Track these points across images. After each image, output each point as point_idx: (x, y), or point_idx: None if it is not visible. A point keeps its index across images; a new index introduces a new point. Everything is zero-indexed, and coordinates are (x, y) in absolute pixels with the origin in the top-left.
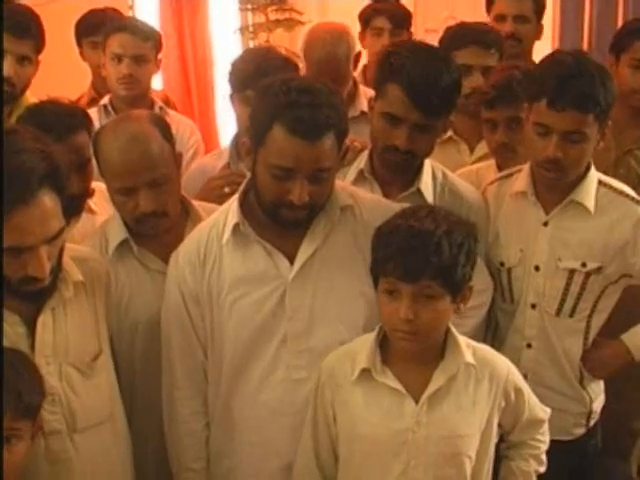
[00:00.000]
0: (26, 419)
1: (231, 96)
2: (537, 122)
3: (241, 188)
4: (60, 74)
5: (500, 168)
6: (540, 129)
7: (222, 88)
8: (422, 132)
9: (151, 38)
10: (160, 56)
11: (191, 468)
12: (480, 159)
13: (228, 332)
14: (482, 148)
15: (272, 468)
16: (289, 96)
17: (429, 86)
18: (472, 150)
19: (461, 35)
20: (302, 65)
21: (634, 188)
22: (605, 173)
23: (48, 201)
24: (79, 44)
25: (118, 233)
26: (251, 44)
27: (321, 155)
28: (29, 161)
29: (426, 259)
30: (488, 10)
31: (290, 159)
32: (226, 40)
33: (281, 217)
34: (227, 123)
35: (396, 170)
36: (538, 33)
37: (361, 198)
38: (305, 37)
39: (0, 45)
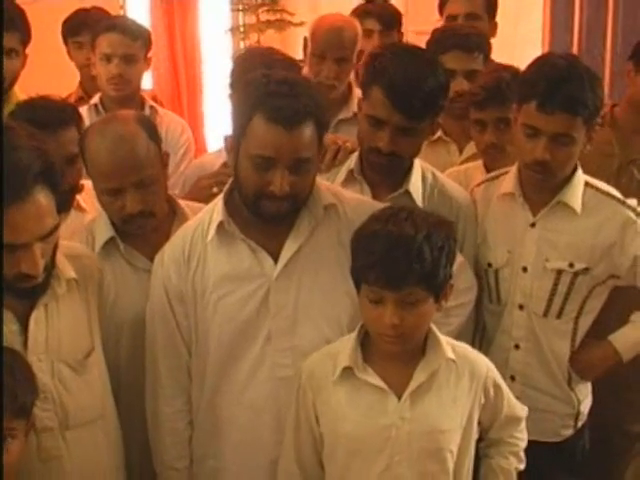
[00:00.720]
0: (21, 418)
1: (231, 95)
2: (526, 124)
3: (226, 187)
4: (49, 73)
5: (488, 168)
6: (529, 131)
7: (211, 88)
8: (405, 135)
9: (140, 37)
10: (150, 54)
11: (174, 467)
12: (469, 159)
13: (212, 330)
14: (471, 148)
15: (258, 467)
16: (268, 87)
17: (411, 89)
18: (461, 151)
19: (443, 40)
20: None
21: (636, 197)
22: (607, 181)
23: (43, 198)
24: (65, 43)
25: (105, 231)
26: (242, 45)
27: (301, 144)
28: (25, 158)
29: (409, 267)
30: (440, 12)
31: (270, 148)
32: (216, 40)
33: (263, 210)
34: (216, 122)
35: (380, 172)
36: (492, 30)
37: (345, 197)
38: (315, 21)
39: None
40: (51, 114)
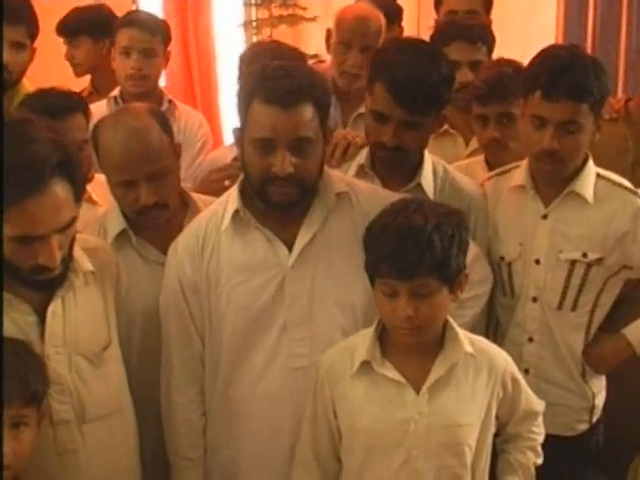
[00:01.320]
0: (32, 406)
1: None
2: (532, 114)
3: (241, 177)
4: (61, 66)
5: (489, 164)
6: (536, 121)
7: (225, 82)
8: (409, 128)
9: (159, 32)
10: (169, 48)
11: (188, 457)
12: (474, 152)
13: (226, 320)
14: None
15: (274, 456)
16: (265, 73)
17: (412, 82)
18: (468, 143)
19: (447, 31)
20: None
21: None
22: (622, 175)
23: (60, 190)
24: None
25: (117, 224)
26: (254, 39)
27: (299, 123)
28: (42, 150)
29: (419, 257)
30: (437, 7)
31: (268, 128)
32: (229, 35)
33: (270, 196)
34: (231, 117)
35: (388, 166)
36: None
37: (359, 187)
38: (340, 10)
39: (0, 36)
40: (58, 101)
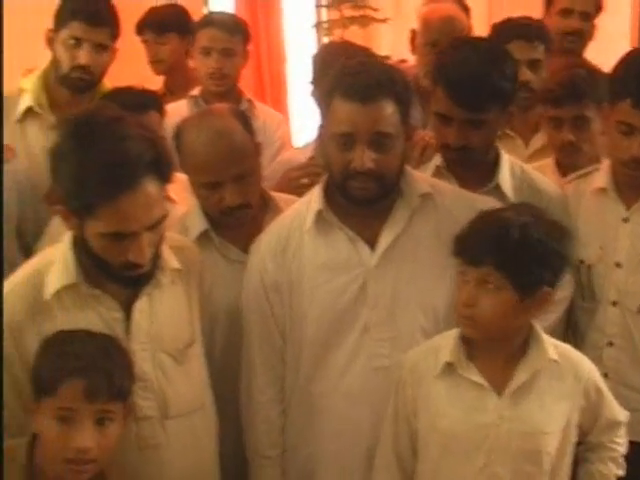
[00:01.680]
0: (118, 402)
1: (313, 92)
2: (620, 121)
3: (324, 177)
4: (139, 66)
5: (561, 167)
6: (624, 128)
7: (295, 84)
8: (473, 128)
9: (238, 32)
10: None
11: (266, 455)
12: (536, 153)
13: (308, 319)
14: (537, 141)
15: (353, 456)
16: (345, 69)
17: (470, 80)
18: (527, 144)
19: (505, 31)
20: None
21: None
22: None
23: (152, 188)
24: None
25: (198, 224)
26: (324, 40)
27: (378, 118)
28: (135, 148)
29: (490, 245)
30: (547, 6)
31: (347, 123)
32: (300, 36)
33: (350, 191)
34: (301, 118)
35: (456, 167)
36: (593, 33)
37: (442, 188)
38: (425, 11)
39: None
40: (132, 98)
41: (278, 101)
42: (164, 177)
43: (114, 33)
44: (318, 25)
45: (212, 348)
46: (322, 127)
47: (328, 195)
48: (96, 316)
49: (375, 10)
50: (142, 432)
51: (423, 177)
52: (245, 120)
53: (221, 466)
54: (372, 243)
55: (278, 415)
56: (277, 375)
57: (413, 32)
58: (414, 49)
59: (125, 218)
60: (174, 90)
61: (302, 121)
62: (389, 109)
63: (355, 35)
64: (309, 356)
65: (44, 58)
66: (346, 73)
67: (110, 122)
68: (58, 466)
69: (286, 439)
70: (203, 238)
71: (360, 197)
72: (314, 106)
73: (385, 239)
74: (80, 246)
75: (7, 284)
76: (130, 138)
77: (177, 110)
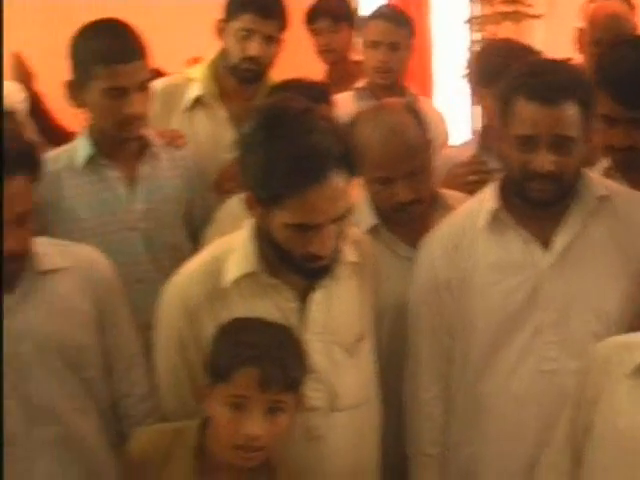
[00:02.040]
0: (290, 392)
1: (473, 90)
2: None
3: (501, 176)
4: (305, 58)
5: None
6: None
7: (442, 78)
8: (638, 127)
9: (406, 25)
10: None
11: (427, 453)
12: None
13: (478, 318)
14: None
15: (514, 460)
16: (529, 68)
17: (629, 77)
18: None
19: None
20: None
21: None
22: None
23: (339, 181)
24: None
25: (368, 219)
26: (476, 36)
27: (561, 120)
28: (324, 141)
29: None
30: None
31: (529, 125)
32: (449, 31)
33: (529, 192)
34: (444, 113)
35: (624, 169)
36: None
37: (617, 190)
38: (592, 9)
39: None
40: (304, 90)
41: (423, 94)
42: (351, 170)
43: (282, 25)
44: (471, 20)
45: (379, 342)
46: (500, 126)
47: (504, 194)
48: (273, 305)
49: (529, 6)
50: (308, 423)
51: (600, 179)
52: (417, 116)
53: (381, 460)
54: (545, 245)
55: (441, 413)
56: (442, 373)
57: (581, 30)
58: (581, 48)
59: (312, 210)
60: (338, 82)
61: (447, 117)
62: (572, 111)
63: (508, 31)
64: (478, 355)
65: (208, 48)
66: (531, 73)
67: (299, 114)
68: (227, 451)
69: (448, 437)
70: (372, 233)
71: (538, 199)
72: (462, 102)
73: (561, 240)
74: (262, 235)
75: (184, 270)
76: (319, 131)
77: (343, 102)
